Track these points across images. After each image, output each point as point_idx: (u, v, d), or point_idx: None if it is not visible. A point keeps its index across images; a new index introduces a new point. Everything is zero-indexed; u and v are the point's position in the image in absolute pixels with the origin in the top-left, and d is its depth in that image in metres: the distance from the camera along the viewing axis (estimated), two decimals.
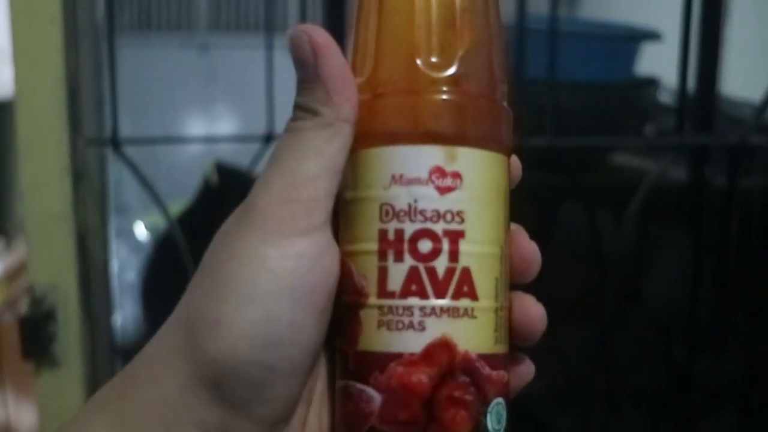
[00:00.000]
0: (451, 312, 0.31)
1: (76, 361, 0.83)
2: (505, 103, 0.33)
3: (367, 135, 0.32)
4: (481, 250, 0.31)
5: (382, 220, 0.31)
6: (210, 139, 1.49)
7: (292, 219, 0.29)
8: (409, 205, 0.30)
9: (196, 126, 3.23)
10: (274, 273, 0.29)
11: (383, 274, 0.31)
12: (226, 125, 3.14)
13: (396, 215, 0.30)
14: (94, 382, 0.86)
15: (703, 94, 1.01)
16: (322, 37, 0.31)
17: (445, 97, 0.31)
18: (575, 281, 1.19)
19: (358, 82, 0.32)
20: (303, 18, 1.06)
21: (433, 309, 0.30)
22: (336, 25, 1.11)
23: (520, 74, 0.87)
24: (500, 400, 0.32)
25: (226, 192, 1.21)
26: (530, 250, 0.34)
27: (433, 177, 0.30)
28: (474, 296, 0.31)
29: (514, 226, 0.34)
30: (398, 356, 0.30)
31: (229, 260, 0.30)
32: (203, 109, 3.22)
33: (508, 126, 0.33)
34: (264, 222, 0.29)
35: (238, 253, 0.30)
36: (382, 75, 0.32)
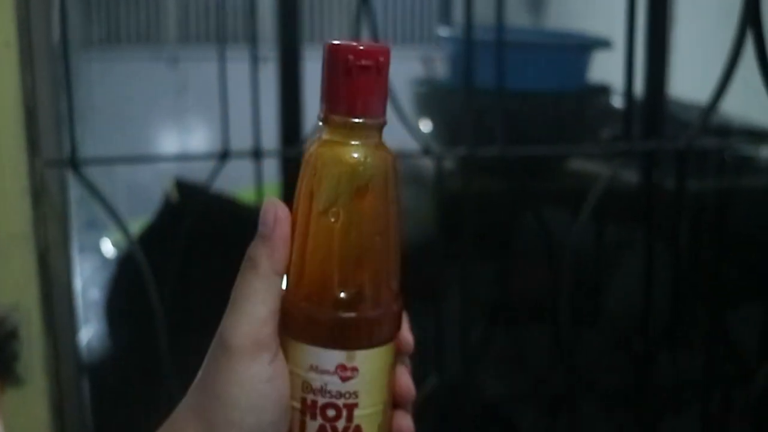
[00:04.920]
0: None
1: (40, 379, 0.84)
2: (395, 306, 0.46)
3: (296, 331, 0.45)
4: (369, 411, 0.46)
5: (303, 391, 0.45)
6: (166, 158, 1.51)
7: (258, 353, 0.43)
8: (321, 387, 0.45)
9: (167, 138, 3.24)
10: (257, 392, 0.43)
11: (303, 426, 0.45)
12: (197, 137, 3.14)
13: (312, 390, 0.45)
14: (59, 399, 0.87)
15: (651, 100, 1.03)
16: (282, 211, 0.45)
17: (347, 315, 0.45)
18: (535, 285, 1.21)
19: (290, 283, 0.46)
20: (254, 29, 1.07)
21: None
22: (289, 38, 1.13)
23: (471, 85, 0.90)
24: None
25: (186, 208, 1.22)
26: (406, 386, 0.48)
27: (338, 370, 0.45)
28: None
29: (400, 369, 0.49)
30: None
31: (227, 383, 0.43)
32: (174, 121, 3.22)
33: (396, 321, 0.47)
34: (241, 356, 0.43)
35: (231, 377, 0.43)
36: (303, 290, 0.45)
